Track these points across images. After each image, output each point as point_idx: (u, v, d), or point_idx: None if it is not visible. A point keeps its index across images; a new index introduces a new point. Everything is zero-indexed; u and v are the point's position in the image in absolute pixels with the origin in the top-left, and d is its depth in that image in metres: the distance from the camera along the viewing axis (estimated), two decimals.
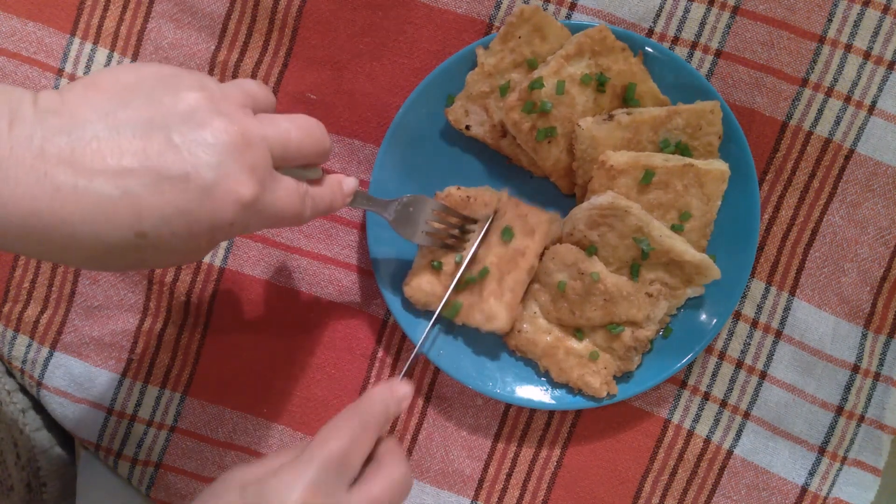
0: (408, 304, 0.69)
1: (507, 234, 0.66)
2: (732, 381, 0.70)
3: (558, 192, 0.69)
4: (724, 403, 0.70)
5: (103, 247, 0.43)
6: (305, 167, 0.53)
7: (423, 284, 0.67)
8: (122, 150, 0.43)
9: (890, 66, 0.67)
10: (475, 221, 0.67)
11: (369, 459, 0.53)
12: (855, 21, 0.66)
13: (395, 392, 0.56)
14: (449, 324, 0.70)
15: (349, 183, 0.57)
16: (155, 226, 0.43)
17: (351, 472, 0.51)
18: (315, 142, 0.52)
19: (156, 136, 0.44)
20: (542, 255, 0.67)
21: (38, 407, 0.74)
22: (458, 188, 0.67)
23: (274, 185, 0.49)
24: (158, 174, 0.43)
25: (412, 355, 0.64)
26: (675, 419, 0.71)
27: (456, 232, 0.66)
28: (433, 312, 0.69)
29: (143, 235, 0.43)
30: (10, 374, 0.74)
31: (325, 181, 0.55)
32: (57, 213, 0.41)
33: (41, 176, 0.41)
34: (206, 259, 0.71)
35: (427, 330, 0.66)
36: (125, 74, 0.46)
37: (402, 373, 0.62)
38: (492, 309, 0.65)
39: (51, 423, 0.75)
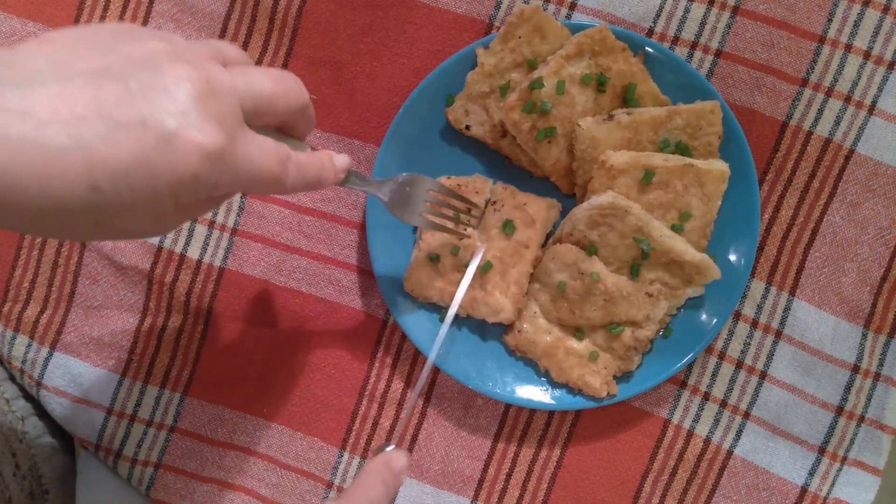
0: (408, 304, 0.69)
1: (509, 227, 0.66)
2: (732, 381, 0.70)
3: (558, 192, 0.69)
4: (724, 403, 0.70)
5: (54, 204, 0.39)
6: (287, 138, 0.50)
7: (422, 278, 0.67)
8: (74, 98, 0.39)
9: (890, 66, 0.67)
10: (474, 204, 0.66)
11: None
12: (855, 21, 0.66)
13: (392, 467, 0.54)
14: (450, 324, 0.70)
15: (342, 158, 0.53)
16: (111, 179, 0.40)
17: None
18: (292, 96, 0.48)
19: (111, 84, 0.40)
20: (543, 246, 0.67)
21: (41, 413, 0.74)
22: (449, 178, 0.67)
23: (246, 141, 0.45)
24: (114, 121, 0.39)
25: (424, 371, 0.62)
26: (675, 419, 0.71)
27: (453, 213, 0.64)
28: (433, 311, 0.69)
29: (97, 190, 0.39)
30: (12, 380, 0.74)
31: (316, 153, 0.52)
32: (2, 165, 0.38)
33: None
34: (206, 259, 0.71)
35: (437, 344, 0.63)
36: (82, 29, 0.44)
37: (415, 394, 0.62)
38: (498, 303, 0.66)
39: (53, 430, 0.75)
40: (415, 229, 0.69)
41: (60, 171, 0.39)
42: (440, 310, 0.69)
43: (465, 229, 0.66)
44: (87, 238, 0.45)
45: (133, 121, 0.40)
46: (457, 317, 0.70)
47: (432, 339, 0.69)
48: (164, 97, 0.41)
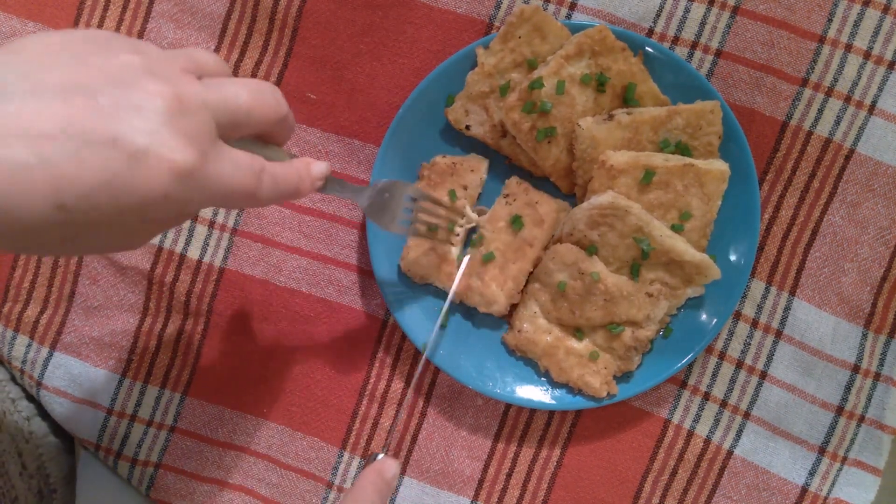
0: (408, 304, 0.69)
1: (517, 223, 0.66)
2: (732, 381, 0.70)
3: (558, 192, 0.69)
4: (724, 403, 0.70)
5: (20, 223, 0.38)
6: (266, 145, 0.49)
7: (420, 258, 0.67)
8: (41, 113, 0.38)
9: (890, 66, 0.67)
10: (457, 212, 0.66)
11: None
12: (855, 21, 0.66)
13: (384, 475, 0.57)
14: (449, 323, 0.70)
15: (319, 166, 0.52)
16: (77, 197, 0.38)
17: None
18: (268, 108, 0.47)
19: (80, 99, 0.39)
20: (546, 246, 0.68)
21: (45, 414, 0.74)
22: (444, 156, 0.68)
23: (219, 157, 0.43)
24: (81, 139, 0.38)
25: (419, 366, 0.63)
26: (676, 419, 0.71)
27: (435, 220, 0.64)
28: (434, 311, 0.69)
29: (63, 209, 0.38)
30: (14, 381, 0.74)
31: (292, 163, 0.50)
32: None
33: None
34: (206, 259, 0.71)
35: (432, 338, 0.65)
36: (52, 37, 0.42)
37: (409, 392, 0.62)
38: (493, 294, 0.66)
39: (58, 429, 0.75)
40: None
41: (25, 188, 0.38)
42: (440, 309, 0.69)
43: (452, 230, 0.67)
44: (57, 253, 0.45)
45: (102, 139, 0.39)
46: (457, 316, 0.70)
47: (433, 339, 0.69)
48: (134, 115, 0.40)
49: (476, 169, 0.68)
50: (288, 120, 0.49)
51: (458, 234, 0.68)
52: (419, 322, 0.68)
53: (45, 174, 0.38)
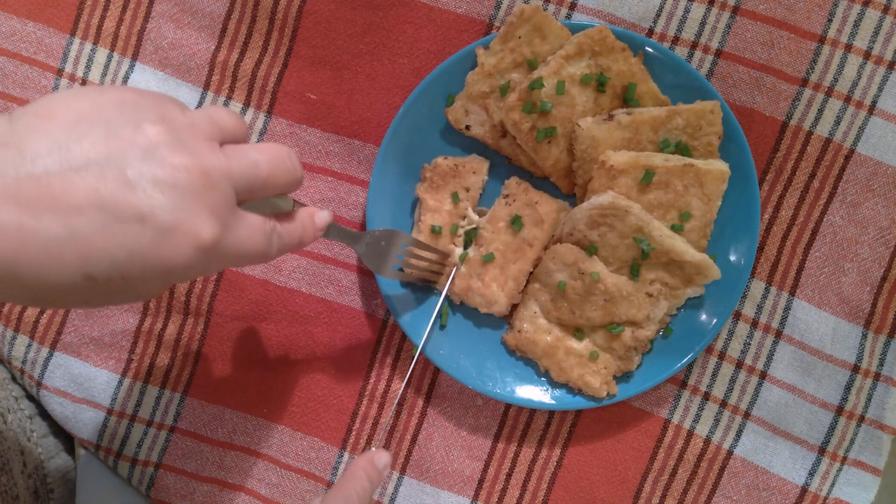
0: (408, 304, 0.69)
1: (517, 223, 0.66)
2: (732, 381, 0.70)
3: (558, 192, 0.69)
4: (724, 403, 0.70)
5: (48, 289, 0.41)
6: (276, 195, 0.51)
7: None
8: (73, 187, 0.40)
9: (890, 66, 0.67)
10: (445, 257, 0.67)
11: None
12: (855, 21, 0.66)
13: (375, 464, 0.58)
14: (449, 324, 0.70)
15: (322, 217, 0.54)
16: (105, 270, 0.41)
17: None
18: (286, 173, 0.49)
19: (110, 174, 0.40)
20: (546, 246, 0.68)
21: (44, 413, 0.74)
22: (446, 158, 0.68)
23: (237, 225, 0.46)
24: (110, 215, 0.40)
25: (413, 360, 0.64)
26: (675, 419, 0.71)
27: (427, 265, 0.66)
28: (433, 311, 0.69)
29: (91, 279, 0.41)
30: (15, 380, 0.74)
31: (297, 216, 0.53)
32: (1, 253, 0.39)
33: None
34: None
35: (427, 332, 0.66)
36: (81, 102, 0.43)
37: (403, 384, 0.62)
38: (494, 295, 0.66)
39: (58, 430, 0.75)
40: (411, 212, 0.70)
41: (55, 261, 0.40)
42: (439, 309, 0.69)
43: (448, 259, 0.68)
44: (77, 307, 0.48)
45: (130, 215, 0.40)
46: (457, 316, 0.70)
47: (432, 339, 0.69)
48: (162, 190, 0.41)
49: (478, 170, 0.68)
50: (300, 181, 0.51)
51: (459, 236, 0.68)
52: (419, 322, 0.68)
53: (75, 248, 0.40)
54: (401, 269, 0.66)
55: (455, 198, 0.67)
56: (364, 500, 0.55)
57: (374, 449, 0.60)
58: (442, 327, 0.69)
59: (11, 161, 0.39)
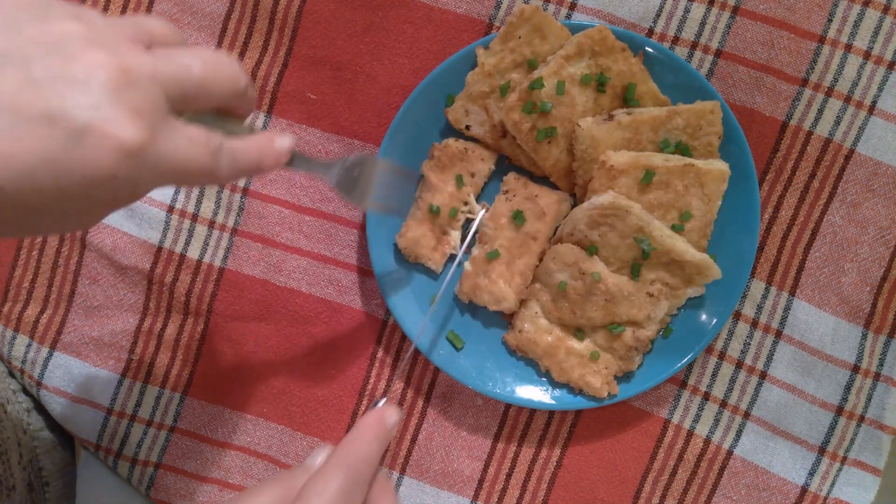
0: (408, 304, 0.69)
1: (519, 218, 0.66)
2: (732, 381, 0.70)
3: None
4: (724, 403, 0.70)
5: None
6: (226, 119, 0.46)
7: (416, 235, 0.68)
8: None
9: (890, 66, 0.67)
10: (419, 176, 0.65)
11: None
12: (855, 21, 0.66)
13: (385, 423, 0.52)
14: (449, 324, 0.70)
15: (283, 141, 0.48)
16: (14, 179, 0.35)
17: None
18: (225, 80, 0.43)
19: (12, 71, 0.36)
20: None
21: (41, 408, 0.74)
22: (457, 140, 0.68)
23: (171, 133, 0.40)
24: (13, 115, 0.35)
25: (409, 351, 0.64)
26: (675, 419, 0.71)
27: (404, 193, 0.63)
28: (433, 311, 0.69)
29: (1, 191, 0.36)
30: (13, 375, 0.74)
31: (252, 137, 0.47)
32: None
33: None
34: (206, 259, 0.71)
35: (425, 322, 0.65)
36: None
37: (396, 379, 0.62)
38: (502, 292, 0.66)
39: (54, 424, 0.75)
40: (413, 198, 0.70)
41: None
42: (439, 309, 0.69)
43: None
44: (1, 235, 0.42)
45: (37, 115, 0.36)
46: (456, 314, 0.70)
47: (432, 338, 0.69)
48: (73, 88, 0.37)
49: (486, 158, 0.68)
50: (248, 94, 0.46)
51: (459, 220, 0.68)
52: (419, 322, 0.68)
53: None
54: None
55: (459, 181, 0.67)
56: (371, 465, 0.49)
57: (381, 404, 0.54)
58: (457, 347, 0.69)
59: None
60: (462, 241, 0.69)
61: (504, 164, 0.69)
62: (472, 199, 0.68)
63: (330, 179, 0.55)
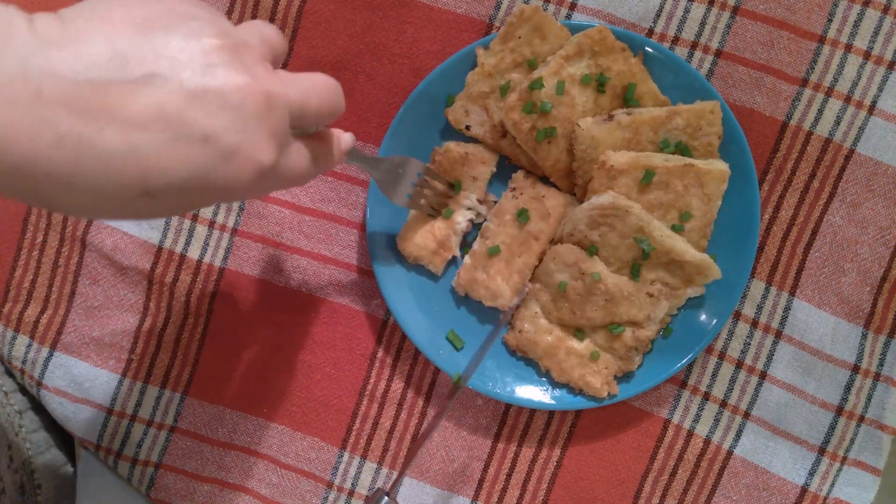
0: (408, 304, 0.68)
1: (524, 216, 0.66)
2: (732, 381, 0.70)
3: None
4: (724, 403, 0.70)
5: (103, 201, 0.39)
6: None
7: (417, 238, 0.68)
8: (135, 99, 0.38)
9: (890, 66, 0.67)
10: (458, 200, 0.68)
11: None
12: (855, 21, 0.66)
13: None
14: (450, 324, 0.70)
15: (347, 140, 0.54)
16: (163, 186, 0.39)
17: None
18: (331, 105, 0.48)
19: (174, 88, 0.39)
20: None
21: (38, 408, 0.74)
22: (458, 144, 0.68)
23: (290, 150, 0.46)
24: (175, 133, 0.39)
25: (455, 392, 0.63)
26: (675, 419, 0.71)
27: (438, 196, 0.67)
28: (433, 310, 0.69)
29: (149, 195, 0.39)
30: (9, 374, 0.74)
31: (326, 137, 0.52)
32: (56, 163, 0.37)
33: (39, 120, 0.36)
34: (206, 259, 0.71)
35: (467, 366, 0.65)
36: (142, 7, 0.41)
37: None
38: (499, 288, 0.66)
39: (49, 425, 0.75)
40: None
41: (113, 175, 0.38)
42: (440, 308, 0.69)
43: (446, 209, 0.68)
44: (126, 219, 0.49)
45: (195, 134, 0.39)
46: (457, 313, 0.70)
47: (432, 338, 0.69)
48: (226, 111, 0.40)
49: (487, 161, 0.68)
50: (340, 114, 0.51)
51: (459, 223, 0.68)
52: (419, 322, 0.68)
53: (136, 163, 0.38)
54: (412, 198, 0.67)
55: (458, 186, 0.67)
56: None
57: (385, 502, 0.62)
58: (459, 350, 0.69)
59: (69, 65, 0.37)
60: (467, 244, 0.69)
61: (505, 167, 0.69)
62: (474, 201, 0.68)
63: (376, 175, 0.63)
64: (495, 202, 0.69)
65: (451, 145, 0.68)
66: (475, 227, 0.70)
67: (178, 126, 0.39)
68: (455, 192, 0.68)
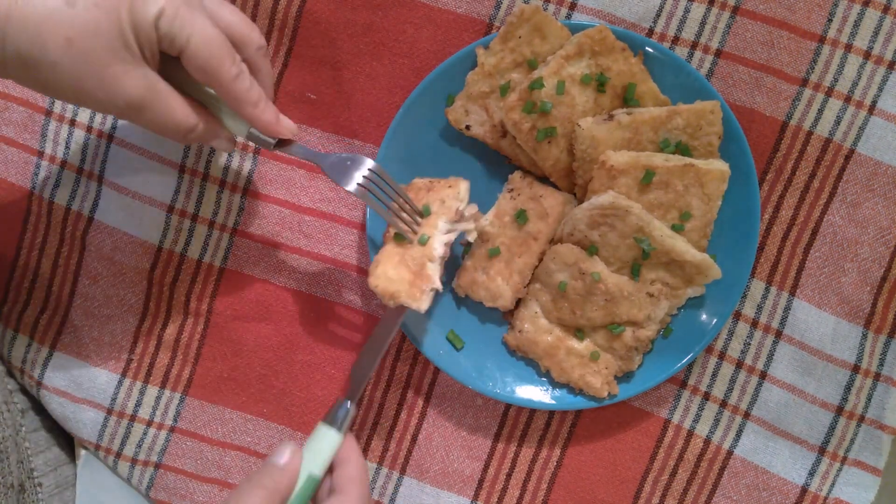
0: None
1: (522, 217, 0.66)
2: (732, 381, 0.70)
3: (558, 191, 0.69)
4: (724, 403, 0.70)
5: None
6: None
7: (389, 272, 0.61)
8: None
9: (890, 66, 0.67)
10: (415, 207, 0.64)
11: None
12: (855, 21, 0.66)
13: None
14: (450, 324, 0.70)
15: (289, 121, 0.60)
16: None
17: None
18: (252, 30, 0.58)
19: None
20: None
21: (38, 407, 0.74)
22: (422, 178, 0.66)
23: (206, 20, 0.54)
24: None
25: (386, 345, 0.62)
26: (676, 419, 0.71)
27: (389, 202, 0.62)
28: (433, 310, 0.69)
29: (72, 4, 0.50)
30: (10, 374, 0.74)
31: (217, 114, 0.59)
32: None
33: None
34: (206, 259, 0.71)
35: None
36: None
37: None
38: (499, 289, 0.66)
39: (50, 424, 0.75)
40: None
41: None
42: (440, 307, 0.69)
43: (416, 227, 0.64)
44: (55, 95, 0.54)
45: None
46: (457, 313, 0.70)
47: (431, 337, 0.69)
48: None
49: (454, 185, 0.65)
50: (268, 56, 0.60)
51: (436, 249, 0.63)
52: (419, 322, 0.68)
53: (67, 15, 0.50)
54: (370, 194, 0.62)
55: (426, 210, 0.63)
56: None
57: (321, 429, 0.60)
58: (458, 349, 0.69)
59: None
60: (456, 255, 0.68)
61: (505, 167, 0.69)
62: (447, 223, 0.63)
63: (323, 164, 0.62)
64: (476, 221, 0.65)
65: (416, 180, 0.66)
66: (468, 244, 0.68)
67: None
68: (425, 215, 0.64)
